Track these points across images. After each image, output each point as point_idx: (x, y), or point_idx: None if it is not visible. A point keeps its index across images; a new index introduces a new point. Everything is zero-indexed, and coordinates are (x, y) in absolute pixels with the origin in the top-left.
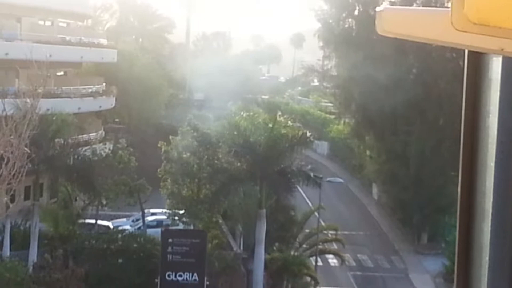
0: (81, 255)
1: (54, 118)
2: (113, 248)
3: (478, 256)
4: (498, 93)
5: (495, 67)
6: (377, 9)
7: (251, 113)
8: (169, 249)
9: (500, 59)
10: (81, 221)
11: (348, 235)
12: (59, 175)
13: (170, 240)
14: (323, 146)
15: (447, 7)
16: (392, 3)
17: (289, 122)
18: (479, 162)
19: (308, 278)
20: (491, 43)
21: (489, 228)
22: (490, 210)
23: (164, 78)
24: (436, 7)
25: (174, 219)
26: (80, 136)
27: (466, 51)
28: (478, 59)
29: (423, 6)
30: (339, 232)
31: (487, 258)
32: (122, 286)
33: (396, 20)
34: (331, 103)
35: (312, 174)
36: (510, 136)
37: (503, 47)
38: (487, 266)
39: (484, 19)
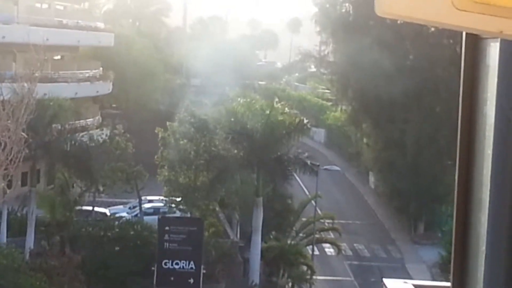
0: (77, 242)
1: (51, 103)
2: (110, 235)
3: (475, 246)
4: (495, 80)
5: (493, 53)
6: None
7: (248, 100)
8: (166, 236)
9: (497, 45)
10: (78, 208)
11: (345, 224)
12: (56, 161)
13: (167, 227)
14: (320, 134)
15: None
16: None
17: (286, 108)
18: (476, 150)
19: (305, 267)
20: (491, 24)
21: (486, 218)
22: (487, 200)
23: (161, 62)
24: None
25: (171, 207)
26: (77, 122)
27: (464, 37)
28: (475, 45)
29: None
30: (335, 221)
31: (483, 248)
32: (118, 273)
33: (396, 1)
34: (328, 89)
35: (309, 162)
36: (508, 123)
37: (502, 29)
38: (483, 256)
39: None
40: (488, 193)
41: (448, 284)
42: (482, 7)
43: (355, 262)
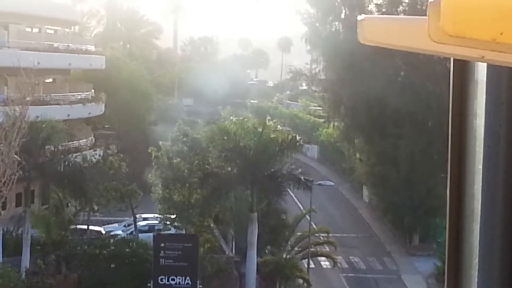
0: (73, 261)
1: (43, 125)
2: (105, 253)
3: (468, 257)
4: (484, 96)
5: (481, 69)
6: (358, 18)
7: (241, 118)
8: (162, 253)
9: None
10: (73, 227)
11: (340, 238)
12: (50, 182)
13: (162, 244)
14: (313, 150)
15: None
16: (378, 6)
17: (279, 126)
18: (467, 164)
19: (301, 281)
20: (471, 52)
21: (479, 229)
22: (479, 212)
23: (153, 83)
24: (421, 9)
25: (166, 224)
26: (70, 143)
27: None
28: (464, 62)
29: (408, 9)
30: (330, 235)
31: (476, 260)
32: None
33: (377, 29)
34: (320, 106)
35: (302, 178)
36: (497, 138)
37: (483, 55)
38: (477, 267)
39: (460, 31)
40: (479, 205)
41: None
42: (458, 40)
43: (351, 274)
